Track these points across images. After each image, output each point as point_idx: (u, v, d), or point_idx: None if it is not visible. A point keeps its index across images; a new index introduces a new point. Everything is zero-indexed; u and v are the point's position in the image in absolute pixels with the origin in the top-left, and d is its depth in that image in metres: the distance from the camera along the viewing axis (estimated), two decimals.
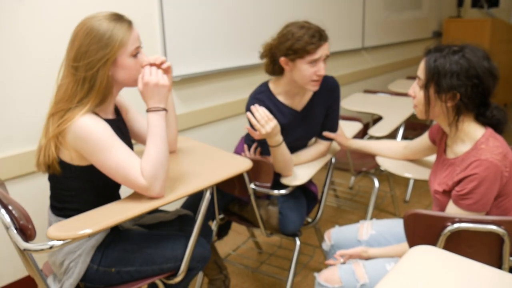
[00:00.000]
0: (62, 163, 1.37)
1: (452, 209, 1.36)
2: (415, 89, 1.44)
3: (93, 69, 1.32)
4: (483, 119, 1.38)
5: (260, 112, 1.65)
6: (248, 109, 1.74)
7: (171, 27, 2.48)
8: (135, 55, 1.38)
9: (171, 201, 1.37)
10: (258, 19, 2.99)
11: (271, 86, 1.88)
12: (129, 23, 1.37)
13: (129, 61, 1.37)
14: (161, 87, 1.37)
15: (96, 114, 1.37)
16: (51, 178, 1.45)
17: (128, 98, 1.66)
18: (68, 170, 1.38)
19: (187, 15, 2.55)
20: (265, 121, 1.64)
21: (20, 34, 1.90)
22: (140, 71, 1.39)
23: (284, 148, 1.74)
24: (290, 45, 1.68)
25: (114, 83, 1.40)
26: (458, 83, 1.31)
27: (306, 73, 1.71)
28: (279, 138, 1.71)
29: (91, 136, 1.29)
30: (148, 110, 1.39)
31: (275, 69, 1.82)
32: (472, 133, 1.37)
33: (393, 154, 1.89)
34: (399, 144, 1.90)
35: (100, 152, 1.30)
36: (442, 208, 1.43)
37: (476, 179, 1.28)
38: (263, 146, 1.84)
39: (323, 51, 1.70)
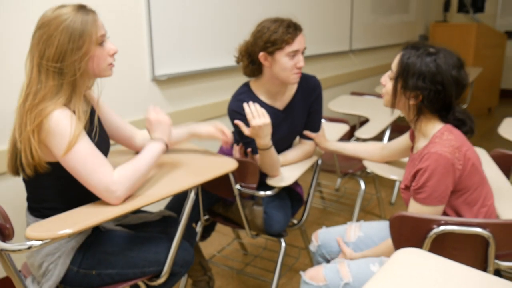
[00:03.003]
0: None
1: (412, 206, 1.39)
2: (386, 78, 1.50)
3: (75, 68, 1.30)
4: (445, 120, 1.43)
5: (257, 107, 1.65)
6: (229, 111, 1.72)
7: (158, 27, 2.45)
8: (101, 43, 1.36)
9: (156, 200, 1.34)
10: (244, 19, 2.97)
11: (252, 86, 1.87)
12: (93, 13, 1.35)
13: (98, 51, 1.35)
14: (162, 123, 1.49)
15: (68, 108, 1.31)
16: (25, 179, 1.39)
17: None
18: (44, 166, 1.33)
19: (174, 15, 2.53)
20: (257, 115, 1.64)
21: None
22: (107, 59, 1.38)
23: (273, 152, 1.74)
24: (267, 38, 1.69)
25: (85, 75, 1.36)
26: (423, 86, 1.37)
27: (287, 65, 1.71)
28: (269, 142, 1.70)
29: (59, 129, 1.25)
30: (152, 138, 1.48)
31: (254, 69, 1.81)
32: (431, 129, 1.42)
33: (369, 156, 1.89)
34: (376, 145, 1.90)
35: (65, 147, 1.25)
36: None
37: (426, 171, 1.32)
38: (252, 145, 1.82)
39: (300, 42, 1.72)
